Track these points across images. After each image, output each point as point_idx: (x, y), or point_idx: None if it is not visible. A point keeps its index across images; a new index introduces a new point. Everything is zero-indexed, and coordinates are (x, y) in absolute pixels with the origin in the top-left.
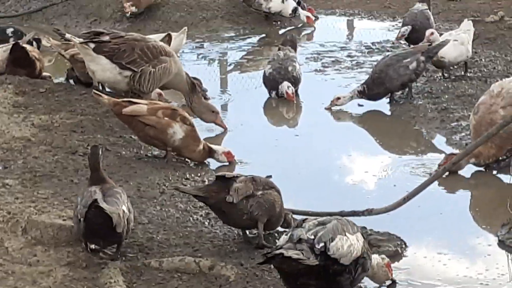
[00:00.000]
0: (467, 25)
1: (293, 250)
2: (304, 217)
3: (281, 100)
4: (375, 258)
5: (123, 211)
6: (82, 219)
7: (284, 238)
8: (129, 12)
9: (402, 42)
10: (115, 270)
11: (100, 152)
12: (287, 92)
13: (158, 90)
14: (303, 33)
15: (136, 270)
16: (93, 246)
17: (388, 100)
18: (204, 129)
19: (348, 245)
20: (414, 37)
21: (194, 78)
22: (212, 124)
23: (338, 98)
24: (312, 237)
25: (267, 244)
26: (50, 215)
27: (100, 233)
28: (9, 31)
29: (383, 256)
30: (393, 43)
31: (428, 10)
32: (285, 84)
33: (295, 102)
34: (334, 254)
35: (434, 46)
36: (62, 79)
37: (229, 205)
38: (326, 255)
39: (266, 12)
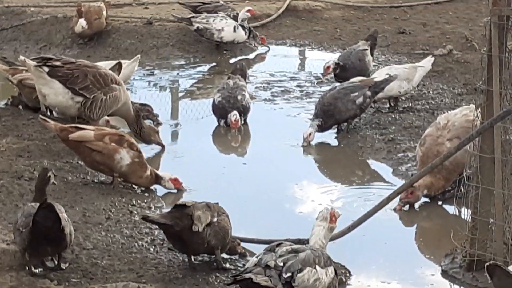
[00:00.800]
0: (425, 61)
1: (262, 276)
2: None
3: (230, 129)
4: (320, 230)
5: (65, 218)
6: (24, 230)
7: (253, 260)
8: (79, 28)
9: (330, 78)
10: None
11: (49, 175)
12: (231, 120)
13: (106, 117)
14: (253, 63)
15: None
16: (37, 270)
17: (335, 130)
18: (150, 155)
19: (314, 278)
20: (342, 75)
21: (144, 104)
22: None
23: (310, 134)
24: (282, 264)
25: (226, 267)
26: None
27: (48, 236)
28: None
29: (323, 210)
30: (321, 80)
31: (367, 51)
32: (233, 112)
33: (238, 129)
34: (298, 286)
35: (381, 81)
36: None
37: (192, 234)
38: (290, 285)
39: (218, 41)
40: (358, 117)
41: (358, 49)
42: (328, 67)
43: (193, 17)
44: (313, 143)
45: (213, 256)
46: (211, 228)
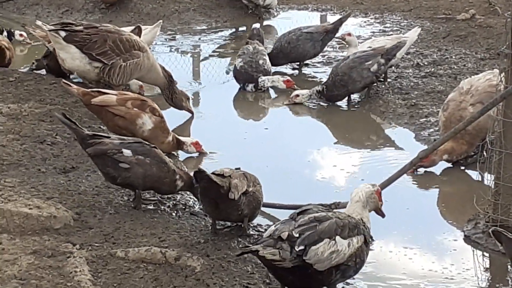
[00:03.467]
0: (411, 32)
1: (271, 248)
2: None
3: (250, 94)
4: (366, 187)
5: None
6: None
7: (270, 230)
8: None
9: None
10: (80, 259)
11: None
12: (287, 81)
13: (139, 83)
14: (275, 28)
15: (101, 259)
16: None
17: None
18: (174, 120)
19: (331, 251)
20: (273, 62)
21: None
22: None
23: (297, 96)
24: (297, 235)
25: (250, 233)
26: (17, 203)
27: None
28: None
29: (374, 183)
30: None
31: (311, 34)
32: (275, 77)
33: (295, 88)
34: (309, 259)
35: (391, 48)
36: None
37: (227, 201)
38: (301, 258)
39: (260, 5)
40: (374, 84)
41: (298, 32)
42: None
43: None
44: (334, 108)
45: (238, 223)
46: (246, 198)
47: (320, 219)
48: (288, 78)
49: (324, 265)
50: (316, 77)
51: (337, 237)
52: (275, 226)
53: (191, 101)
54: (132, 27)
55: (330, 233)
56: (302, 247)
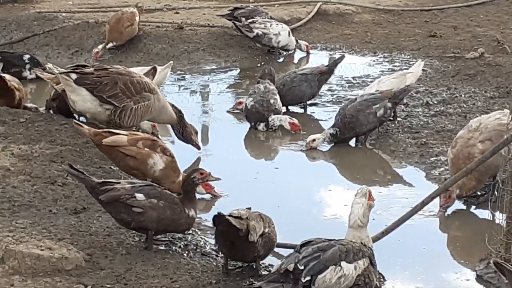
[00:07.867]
0: (414, 67)
1: (273, 283)
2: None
3: (261, 133)
4: (358, 209)
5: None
6: None
7: (277, 265)
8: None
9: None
10: None
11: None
12: (292, 123)
13: (151, 122)
14: (284, 67)
15: None
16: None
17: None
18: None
19: (338, 276)
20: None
21: None
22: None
23: (314, 140)
24: (302, 267)
25: (263, 273)
26: (28, 244)
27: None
28: (26, 57)
29: (362, 190)
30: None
31: (306, 75)
32: (283, 117)
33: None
34: (319, 287)
35: (399, 92)
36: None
37: (246, 243)
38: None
39: (275, 46)
40: (377, 128)
41: (292, 74)
42: (240, 103)
43: (252, 22)
44: (344, 147)
45: (250, 264)
46: (262, 239)
47: (324, 248)
48: (295, 121)
49: None
50: (327, 117)
51: (343, 263)
52: (281, 261)
53: (199, 136)
54: (146, 68)
55: (335, 260)
56: (308, 278)
